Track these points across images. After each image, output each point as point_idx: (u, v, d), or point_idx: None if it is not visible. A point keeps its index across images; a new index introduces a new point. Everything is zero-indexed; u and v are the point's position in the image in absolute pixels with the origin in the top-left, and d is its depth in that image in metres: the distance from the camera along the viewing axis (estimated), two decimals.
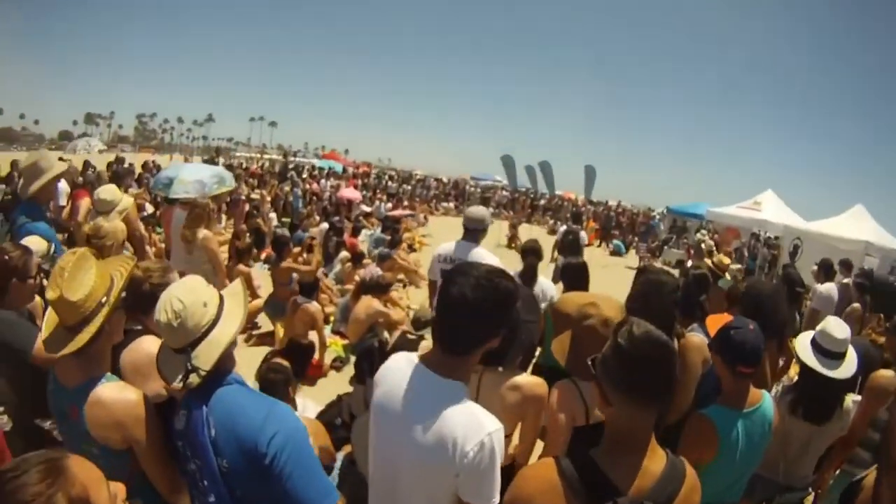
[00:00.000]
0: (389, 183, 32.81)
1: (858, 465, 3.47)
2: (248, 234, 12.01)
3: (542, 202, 35.21)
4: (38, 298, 3.40)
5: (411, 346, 5.25)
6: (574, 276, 4.69)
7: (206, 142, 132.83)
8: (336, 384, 6.59)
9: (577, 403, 2.57)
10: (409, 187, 33.49)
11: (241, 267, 7.50)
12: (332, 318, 8.42)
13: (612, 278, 16.82)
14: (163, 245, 9.15)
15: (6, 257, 2.88)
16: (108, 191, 5.26)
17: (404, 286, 11.03)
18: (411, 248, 16.14)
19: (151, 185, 8.52)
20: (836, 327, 3.28)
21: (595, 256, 20.46)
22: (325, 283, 9.58)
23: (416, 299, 9.96)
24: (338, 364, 7.10)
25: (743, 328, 2.72)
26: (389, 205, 23.52)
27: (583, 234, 11.49)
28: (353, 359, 6.94)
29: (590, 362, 1.91)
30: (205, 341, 1.93)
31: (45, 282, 3.13)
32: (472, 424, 1.80)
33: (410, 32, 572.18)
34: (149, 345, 2.44)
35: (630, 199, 61.01)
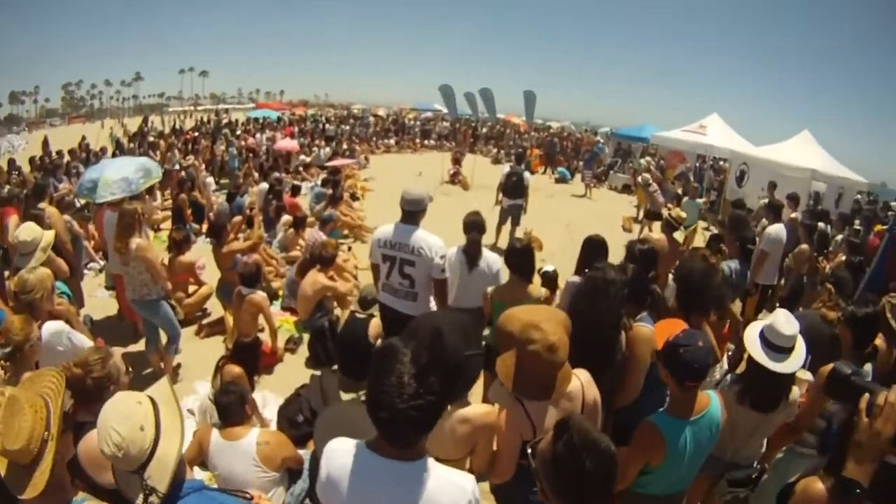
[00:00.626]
0: (327, 126, 32.04)
1: (804, 444, 3.59)
2: (187, 204, 11.80)
3: (485, 130, 34.80)
4: None
5: (361, 325, 5.30)
6: (518, 262, 4.67)
7: (137, 101, 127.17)
8: (293, 368, 6.60)
9: (524, 422, 2.61)
10: (348, 127, 32.75)
11: (182, 259, 7.31)
12: (280, 293, 8.42)
13: (558, 208, 17.16)
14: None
15: None
16: (27, 231, 5.01)
17: (349, 248, 10.91)
18: (354, 197, 15.84)
19: (76, 190, 8.26)
20: (785, 323, 3.26)
21: (541, 185, 20.64)
22: (269, 253, 9.51)
23: (363, 257, 9.78)
24: (292, 346, 7.05)
25: (692, 346, 2.71)
26: (328, 149, 23.02)
27: (527, 174, 11.53)
28: (306, 337, 6.97)
29: (529, 451, 1.92)
30: (154, 461, 1.91)
31: None
32: (455, 491, 1.89)
33: None
34: None
35: (574, 119, 61.18)
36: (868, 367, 3.75)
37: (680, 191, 18.21)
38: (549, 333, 2.54)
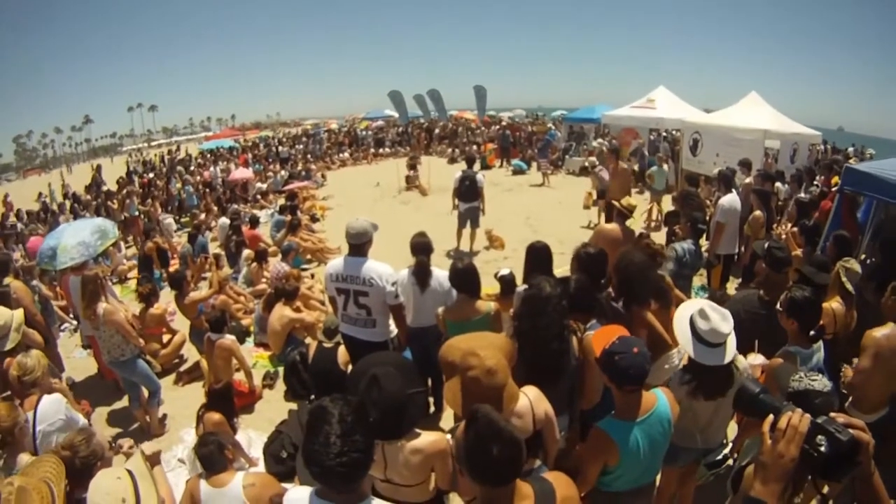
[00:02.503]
0: (280, 148, 32.03)
1: None
2: (155, 252, 11.92)
3: (437, 130, 34.64)
4: None
5: (330, 354, 5.47)
6: (462, 282, 4.86)
7: (90, 145, 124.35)
8: (273, 404, 6.78)
9: None
10: (301, 146, 32.86)
11: (152, 311, 7.47)
12: (251, 330, 8.58)
13: (517, 201, 17.37)
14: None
15: None
16: None
17: (312, 275, 10.96)
18: (314, 219, 16.08)
19: (37, 261, 8.36)
20: (722, 321, 3.28)
21: (499, 179, 20.99)
22: (235, 290, 9.65)
23: None
24: (269, 381, 7.20)
25: (627, 353, 2.80)
26: (284, 172, 23.21)
27: (479, 176, 11.67)
28: (281, 371, 7.15)
29: (448, 436, 2.18)
30: None
31: None
32: None
33: None
34: None
35: (526, 105, 61.29)
36: (818, 345, 3.84)
37: (636, 167, 18.46)
38: (485, 359, 2.73)
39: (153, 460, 3.31)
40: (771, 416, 1.75)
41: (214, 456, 3.93)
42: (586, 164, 16.92)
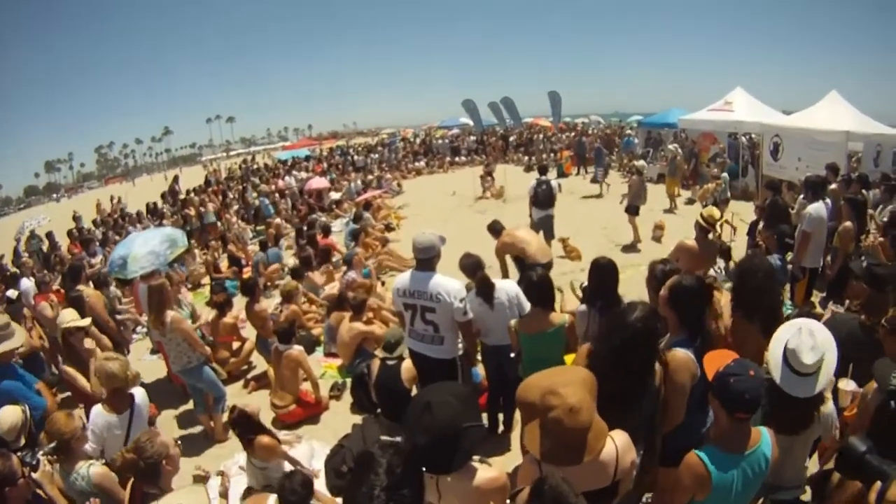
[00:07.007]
0: (355, 157, 32.38)
1: None
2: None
3: (513, 139, 34.27)
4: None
5: (393, 371, 5.28)
6: (537, 295, 4.66)
7: (170, 154, 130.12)
8: (339, 415, 6.69)
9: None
10: (377, 155, 32.96)
11: (226, 321, 7.59)
12: (321, 340, 8.57)
13: (592, 209, 17.08)
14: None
15: None
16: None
17: (383, 283, 10.53)
18: (389, 227, 16.01)
19: (107, 269, 8.55)
20: (809, 351, 3.02)
21: (576, 188, 20.70)
22: (309, 297, 9.58)
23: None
24: (336, 392, 7.12)
25: (742, 375, 2.63)
26: (359, 181, 23.36)
27: (554, 183, 11.38)
28: (349, 382, 6.98)
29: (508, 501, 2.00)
30: None
31: (33, 474, 3.40)
32: None
33: None
34: None
35: (601, 110, 60.67)
36: None
37: (716, 171, 17.84)
38: (567, 396, 2.48)
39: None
40: (878, 484, 1.64)
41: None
42: (670, 147, 16.73)
